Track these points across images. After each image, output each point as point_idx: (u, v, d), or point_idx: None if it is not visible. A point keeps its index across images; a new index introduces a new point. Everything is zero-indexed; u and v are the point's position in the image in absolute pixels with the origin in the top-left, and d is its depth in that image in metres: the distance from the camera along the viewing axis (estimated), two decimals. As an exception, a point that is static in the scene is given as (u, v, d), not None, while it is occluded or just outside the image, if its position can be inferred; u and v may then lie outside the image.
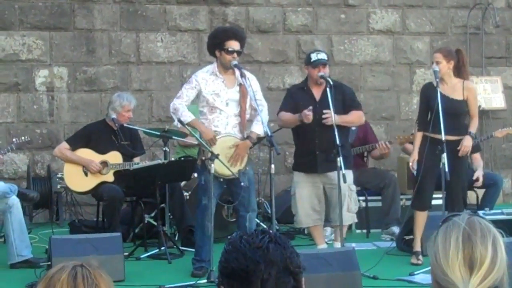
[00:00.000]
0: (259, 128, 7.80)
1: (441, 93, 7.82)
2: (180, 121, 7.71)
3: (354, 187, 8.29)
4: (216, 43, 7.84)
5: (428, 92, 8.08)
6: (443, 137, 7.65)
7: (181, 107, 7.72)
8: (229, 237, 2.60)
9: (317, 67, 8.09)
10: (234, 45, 7.75)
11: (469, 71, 8.50)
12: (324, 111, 7.86)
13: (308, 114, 7.85)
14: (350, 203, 8.15)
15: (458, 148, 7.90)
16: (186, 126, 7.76)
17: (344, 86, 8.51)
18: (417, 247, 8.16)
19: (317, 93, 8.17)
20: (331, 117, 7.76)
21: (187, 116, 7.71)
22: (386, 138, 11.43)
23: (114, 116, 9.03)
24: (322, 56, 8.20)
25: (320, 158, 7.97)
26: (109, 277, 2.42)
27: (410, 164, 8.15)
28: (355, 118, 8.20)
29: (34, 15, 11.01)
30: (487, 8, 12.23)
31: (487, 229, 2.40)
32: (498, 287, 2.36)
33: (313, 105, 7.93)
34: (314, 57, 8.17)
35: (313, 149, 8.04)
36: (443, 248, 2.39)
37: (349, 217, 8.22)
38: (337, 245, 8.15)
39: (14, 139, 8.86)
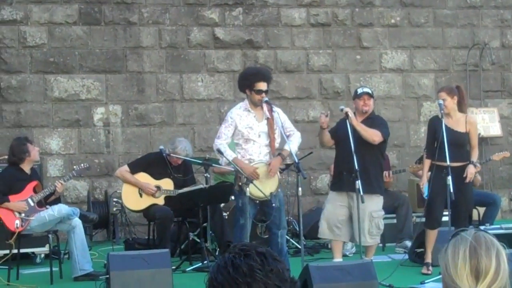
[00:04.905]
0: (290, 146, 7.74)
1: (446, 126, 7.80)
2: (221, 154, 7.72)
3: (379, 214, 8.07)
4: (246, 84, 7.78)
5: (434, 125, 8.06)
6: (447, 163, 7.64)
7: (221, 147, 7.69)
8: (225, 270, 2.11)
9: (362, 98, 8.05)
10: (262, 86, 7.70)
11: (467, 104, 8.49)
12: (345, 108, 7.84)
13: (321, 118, 7.85)
14: (371, 227, 7.96)
15: (464, 175, 7.84)
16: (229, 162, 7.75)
17: (379, 118, 8.37)
18: (428, 258, 8.14)
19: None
20: (350, 112, 7.73)
21: (229, 156, 7.67)
22: (398, 163, 11.48)
23: (167, 152, 9.08)
24: (367, 89, 8.18)
25: (346, 178, 7.72)
26: None
27: (421, 186, 8.17)
28: (369, 131, 7.87)
29: (92, 60, 11.14)
30: (484, 48, 12.23)
31: (491, 243, 2.40)
32: (501, 294, 2.37)
33: (352, 133, 7.69)
34: (360, 90, 8.16)
35: (341, 170, 7.89)
36: (453, 259, 2.38)
37: (370, 240, 8.03)
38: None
39: (74, 167, 8.86)
